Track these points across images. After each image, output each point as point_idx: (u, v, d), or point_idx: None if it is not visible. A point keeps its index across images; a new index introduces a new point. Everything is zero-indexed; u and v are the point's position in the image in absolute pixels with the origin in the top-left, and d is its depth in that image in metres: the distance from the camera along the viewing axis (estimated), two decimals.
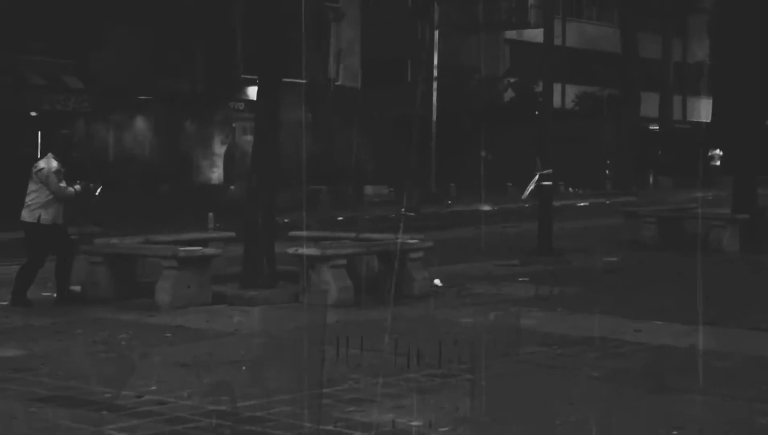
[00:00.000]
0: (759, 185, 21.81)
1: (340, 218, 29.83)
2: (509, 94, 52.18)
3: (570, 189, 45.28)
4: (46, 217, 13.13)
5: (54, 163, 13.21)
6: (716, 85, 54.60)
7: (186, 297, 12.78)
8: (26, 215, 13.23)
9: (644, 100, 54.73)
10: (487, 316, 12.08)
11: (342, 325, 11.50)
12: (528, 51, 49.89)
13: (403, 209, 33.11)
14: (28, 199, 13.23)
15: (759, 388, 8.54)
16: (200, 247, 13.72)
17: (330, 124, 39.50)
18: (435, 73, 43.20)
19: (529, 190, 19.72)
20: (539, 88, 43.96)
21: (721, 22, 23.94)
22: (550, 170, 19.70)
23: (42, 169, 13.18)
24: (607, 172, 47.56)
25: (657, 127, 57.18)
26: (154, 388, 8.40)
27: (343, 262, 13.28)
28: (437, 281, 14.69)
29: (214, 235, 16.16)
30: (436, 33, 43.66)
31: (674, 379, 8.82)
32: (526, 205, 20.01)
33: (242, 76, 36.26)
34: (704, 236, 20.27)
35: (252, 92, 31.86)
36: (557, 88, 49.16)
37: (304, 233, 15.66)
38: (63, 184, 13.17)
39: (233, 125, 38.06)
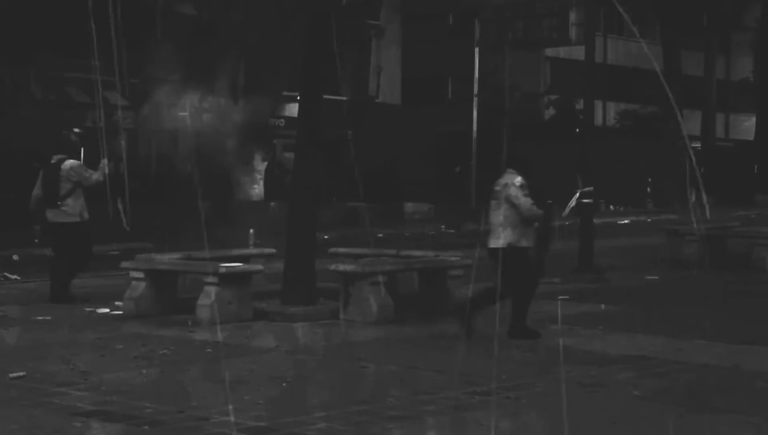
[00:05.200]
0: None
1: (381, 235, 29.85)
2: (550, 111, 52.09)
3: (611, 207, 45.11)
4: (73, 215, 13.98)
5: (74, 162, 14.26)
6: (760, 102, 54.33)
7: (227, 313, 12.82)
8: (55, 216, 14.13)
9: (687, 118, 54.46)
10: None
11: (382, 342, 11.50)
12: (569, 68, 49.77)
13: (443, 226, 33.12)
14: (62, 202, 13.88)
15: None
16: (241, 264, 13.77)
17: (370, 141, 39.56)
18: (476, 91, 43.22)
19: (570, 207, 19.63)
20: (580, 105, 43.96)
21: (764, 38, 23.79)
22: (591, 188, 19.62)
23: (69, 167, 14.13)
24: (648, 189, 47.34)
25: (699, 145, 56.87)
26: (195, 403, 8.43)
27: (384, 278, 13.27)
28: None
29: (255, 251, 16.20)
30: (477, 50, 43.69)
31: (717, 399, 8.75)
32: (567, 223, 19.95)
33: (283, 93, 36.42)
34: (748, 255, 20.12)
35: (293, 109, 31.98)
36: (598, 105, 49.09)
37: (344, 250, 15.71)
38: (88, 173, 13.92)
39: (274, 142, 38.21)
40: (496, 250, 11.81)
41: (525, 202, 11.65)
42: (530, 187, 11.79)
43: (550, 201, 12.02)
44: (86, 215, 14.51)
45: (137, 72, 31.78)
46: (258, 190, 37.62)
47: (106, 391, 8.90)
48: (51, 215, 14.45)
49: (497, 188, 11.91)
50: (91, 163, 14.94)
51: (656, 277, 18.40)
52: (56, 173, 14.49)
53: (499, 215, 11.82)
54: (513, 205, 11.69)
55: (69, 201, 14.36)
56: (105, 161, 14.42)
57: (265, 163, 37.92)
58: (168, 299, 13.76)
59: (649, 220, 37.74)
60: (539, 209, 11.79)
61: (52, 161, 14.63)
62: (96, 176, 14.40)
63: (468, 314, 11.69)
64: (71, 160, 14.52)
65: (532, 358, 10.54)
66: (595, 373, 9.79)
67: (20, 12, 29.04)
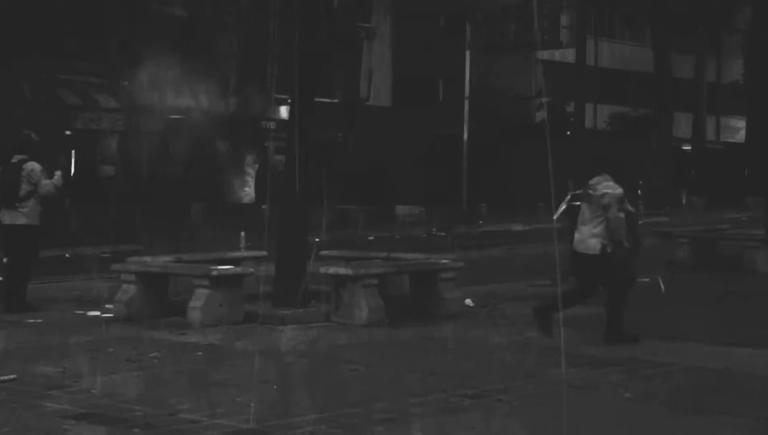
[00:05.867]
0: None
1: (372, 238, 29.84)
2: (541, 114, 52.15)
3: None
4: (32, 218, 13.75)
5: (36, 165, 13.85)
6: (751, 104, 54.40)
7: (218, 316, 12.81)
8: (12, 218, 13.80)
9: (677, 121, 54.57)
10: (518, 337, 12.04)
11: (373, 345, 11.49)
12: (560, 71, 49.85)
13: (434, 229, 33.13)
14: (20, 204, 13.65)
15: None
16: (232, 266, 13.75)
17: (361, 144, 39.57)
18: (467, 93, 43.24)
19: (561, 210, 19.63)
20: (571, 108, 44.06)
21: (755, 41, 23.86)
22: (582, 191, 19.61)
23: (31, 169, 13.80)
24: (639, 192, 47.39)
25: (690, 148, 56.99)
26: (185, 406, 8.42)
27: (375, 281, 13.27)
28: (468, 301, 14.66)
29: (246, 254, 16.19)
30: (468, 53, 43.72)
31: (708, 400, 8.76)
32: (558, 226, 19.95)
33: (275, 95, 36.42)
34: (738, 257, 20.15)
35: (284, 111, 31.99)
36: (589, 108, 49.11)
37: (335, 252, 15.71)
38: (44, 181, 13.71)
39: (265, 144, 38.20)
40: (584, 255, 11.66)
41: (616, 218, 11.51)
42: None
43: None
44: (40, 219, 14.09)
45: (128, 74, 31.79)
46: (249, 192, 37.61)
47: (97, 394, 8.88)
48: (7, 217, 13.92)
49: (592, 192, 11.74)
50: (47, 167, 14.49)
51: (647, 279, 18.40)
52: (17, 174, 13.89)
53: (590, 220, 11.68)
54: (604, 215, 11.55)
55: (29, 203, 13.87)
56: (59, 173, 14.02)
57: (257, 166, 37.91)
58: (159, 302, 13.74)
59: (640, 222, 37.74)
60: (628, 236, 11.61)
61: (13, 161, 14.01)
62: (48, 187, 13.92)
63: (547, 315, 11.68)
64: (33, 163, 13.96)
65: (524, 361, 10.54)
66: (587, 375, 9.79)
67: (11, 13, 29.00)
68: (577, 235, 11.77)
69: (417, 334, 12.29)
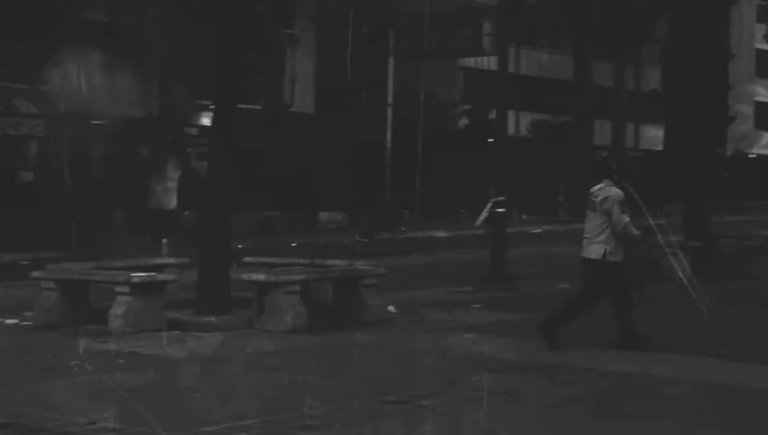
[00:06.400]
0: (712, 212, 22.01)
1: (295, 244, 29.80)
2: (463, 121, 52.42)
3: (524, 216, 45.52)
4: None
5: None
6: (668, 113, 55.11)
7: (139, 323, 12.71)
8: None
9: (597, 128, 55.19)
10: (440, 343, 12.10)
11: (296, 352, 11.49)
12: (482, 78, 50.15)
13: (357, 235, 33.17)
14: None
15: (709, 414, 8.61)
16: (154, 273, 13.66)
17: (285, 150, 39.47)
18: (390, 100, 43.36)
19: (483, 217, 19.78)
20: (493, 115, 44.31)
21: (672, 51, 24.25)
22: (504, 197, 19.81)
23: None
24: (560, 199, 47.88)
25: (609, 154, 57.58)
26: (106, 415, 8.35)
27: (297, 288, 13.26)
28: (391, 307, 14.71)
29: (168, 260, 16.08)
30: (391, 60, 43.84)
31: (627, 405, 8.89)
32: (480, 232, 20.15)
33: (197, 101, 36.21)
34: (657, 263, 20.41)
35: (207, 118, 31.79)
36: (511, 115, 49.45)
37: (258, 259, 15.67)
38: None
39: (188, 151, 37.94)
40: (589, 260, 11.78)
41: (621, 219, 11.61)
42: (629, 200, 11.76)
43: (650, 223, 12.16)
44: None
45: (48, 80, 31.41)
46: (171, 198, 37.32)
47: (17, 403, 8.77)
48: None
49: (595, 199, 11.84)
50: None
51: (568, 286, 18.60)
52: None
53: (596, 226, 11.76)
54: (608, 220, 11.66)
55: None
56: None
57: (179, 172, 37.65)
58: (80, 309, 13.59)
59: (561, 229, 38.14)
60: (635, 230, 11.77)
61: None
62: None
63: (553, 326, 11.75)
64: None
65: (446, 367, 10.60)
66: (508, 380, 9.87)
67: None
68: (584, 243, 11.91)
69: (340, 340, 12.31)
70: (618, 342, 11.71)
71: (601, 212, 11.69)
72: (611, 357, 11.23)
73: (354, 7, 44.51)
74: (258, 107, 38.37)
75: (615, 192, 11.71)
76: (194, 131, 37.05)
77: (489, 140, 45.19)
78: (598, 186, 11.91)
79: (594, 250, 11.70)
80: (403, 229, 38.58)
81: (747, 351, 11.50)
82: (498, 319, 14.21)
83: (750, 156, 70.58)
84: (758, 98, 75.03)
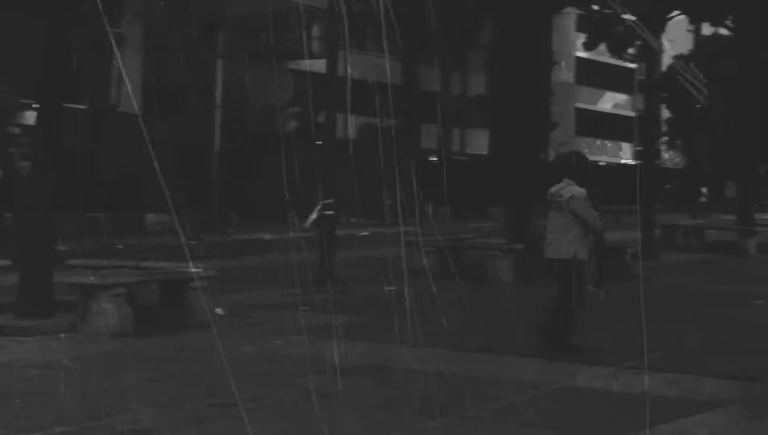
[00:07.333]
0: (534, 215, 22.51)
1: (121, 246, 29.33)
2: (292, 123, 52.44)
3: (352, 219, 45.77)
4: None
5: None
6: (493, 118, 56.23)
7: None
8: None
9: (425, 132, 55.93)
10: (268, 345, 12.11)
11: (121, 355, 11.34)
12: (312, 81, 50.26)
13: (184, 238, 32.84)
14: None
15: (527, 411, 8.84)
16: None
17: (111, 151, 38.83)
18: (218, 102, 43.09)
19: (312, 219, 19.85)
20: (322, 118, 44.51)
21: (497, 57, 24.82)
22: (333, 200, 19.91)
23: None
24: (388, 202, 48.35)
25: (436, 159, 58.41)
26: None
27: (123, 290, 13.09)
28: (219, 310, 14.63)
29: None
30: (220, 61, 43.57)
31: (452, 405, 9.04)
32: (309, 235, 20.19)
33: (19, 100, 35.32)
34: (481, 265, 20.84)
35: (31, 117, 31.05)
36: (339, 118, 49.74)
37: (83, 261, 15.39)
38: None
39: (10, 151, 36.96)
40: (559, 260, 11.71)
41: (593, 215, 11.64)
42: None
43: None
44: None
45: None
46: None
47: None
48: None
49: (559, 198, 11.78)
50: None
51: (395, 288, 18.80)
52: None
53: (562, 226, 11.70)
54: (578, 218, 11.63)
55: None
56: None
57: (0, 173, 36.64)
58: None
59: (388, 231, 38.46)
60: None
61: None
62: None
63: (561, 338, 11.64)
64: None
65: (273, 369, 10.62)
66: (335, 382, 9.94)
67: None
68: (547, 243, 11.88)
69: (166, 343, 12.20)
70: (543, 335, 11.75)
71: (567, 211, 11.73)
72: (437, 358, 11.41)
73: (182, 7, 44.08)
74: (83, 107, 37.68)
75: (579, 190, 11.78)
76: (17, 130, 36.12)
77: (318, 143, 45.42)
78: (558, 186, 11.94)
79: (565, 250, 11.71)
80: (231, 231, 38.37)
81: (568, 352, 11.76)
82: (326, 322, 14.28)
83: None
84: (578, 105, 77.20)
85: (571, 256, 11.62)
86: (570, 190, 11.81)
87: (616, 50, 53.00)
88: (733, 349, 11.97)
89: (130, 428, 8.00)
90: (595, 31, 49.16)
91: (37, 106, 14.41)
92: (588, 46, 51.94)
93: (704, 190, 65.27)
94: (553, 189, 11.96)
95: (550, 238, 11.88)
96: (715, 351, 12.04)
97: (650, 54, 35.69)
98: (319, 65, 46.08)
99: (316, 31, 47.34)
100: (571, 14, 60.89)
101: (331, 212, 19.85)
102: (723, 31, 42.31)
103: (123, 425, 8.08)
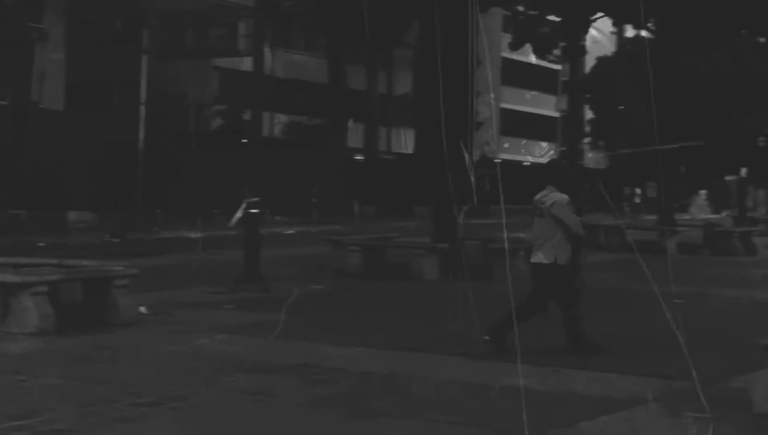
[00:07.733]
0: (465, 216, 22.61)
1: (42, 244, 28.98)
2: (218, 121, 52.22)
3: (277, 217, 45.66)
4: None
5: None
6: (419, 117, 56.45)
7: None
8: None
9: (351, 131, 55.99)
10: (192, 344, 12.06)
11: (43, 354, 11.22)
12: (237, 79, 50.10)
13: (107, 235, 32.55)
14: None
15: (457, 411, 8.89)
16: None
17: (32, 148, 38.37)
18: (143, 99, 42.75)
19: (237, 217, 19.79)
20: (248, 116, 44.33)
21: (422, 56, 24.90)
22: (258, 198, 19.85)
23: None
24: (313, 200, 48.26)
25: (362, 157, 58.52)
26: None
27: (45, 289, 12.94)
28: (143, 308, 14.54)
29: None
30: (145, 57, 43.23)
31: (375, 404, 9.07)
32: (234, 233, 20.16)
33: None
34: (406, 264, 20.91)
35: None
36: (265, 116, 49.62)
37: (3, 259, 15.19)
38: None
39: None
40: (539, 264, 11.83)
41: (574, 220, 11.80)
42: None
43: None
44: None
45: None
46: None
47: None
48: None
49: (542, 205, 11.90)
50: None
51: (321, 287, 18.82)
52: None
53: (546, 232, 11.82)
54: (560, 223, 11.74)
55: None
56: None
57: None
58: None
59: (314, 230, 38.46)
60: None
61: None
62: None
63: (501, 330, 11.64)
64: None
65: (198, 368, 10.57)
66: (260, 381, 9.93)
67: None
68: (534, 249, 12.03)
69: (89, 342, 12.09)
70: (572, 346, 11.80)
71: (550, 217, 11.88)
72: (362, 357, 11.44)
73: (106, 3, 43.70)
74: (4, 103, 37.22)
75: (561, 196, 11.95)
76: None
77: (243, 141, 45.27)
78: (542, 193, 12.11)
79: (546, 255, 11.84)
80: (156, 229, 38.08)
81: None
82: (251, 320, 14.25)
83: (495, 161, 72.99)
84: (503, 105, 77.78)
85: (551, 261, 11.84)
86: (552, 196, 12.05)
87: (541, 51, 53.58)
88: (654, 347, 12.13)
89: (52, 428, 7.93)
90: (521, 31, 49.67)
91: None
92: (513, 47, 52.49)
93: (638, 190, 66.03)
94: (537, 196, 12.22)
95: (534, 244, 12.12)
96: (636, 349, 12.21)
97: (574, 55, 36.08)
98: (246, 63, 45.93)
99: (242, 28, 47.10)
100: (496, 15, 61.37)
101: (256, 210, 19.78)
102: (644, 34, 42.91)
103: (44, 425, 8.00)
